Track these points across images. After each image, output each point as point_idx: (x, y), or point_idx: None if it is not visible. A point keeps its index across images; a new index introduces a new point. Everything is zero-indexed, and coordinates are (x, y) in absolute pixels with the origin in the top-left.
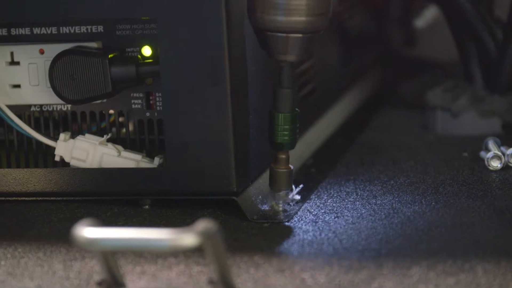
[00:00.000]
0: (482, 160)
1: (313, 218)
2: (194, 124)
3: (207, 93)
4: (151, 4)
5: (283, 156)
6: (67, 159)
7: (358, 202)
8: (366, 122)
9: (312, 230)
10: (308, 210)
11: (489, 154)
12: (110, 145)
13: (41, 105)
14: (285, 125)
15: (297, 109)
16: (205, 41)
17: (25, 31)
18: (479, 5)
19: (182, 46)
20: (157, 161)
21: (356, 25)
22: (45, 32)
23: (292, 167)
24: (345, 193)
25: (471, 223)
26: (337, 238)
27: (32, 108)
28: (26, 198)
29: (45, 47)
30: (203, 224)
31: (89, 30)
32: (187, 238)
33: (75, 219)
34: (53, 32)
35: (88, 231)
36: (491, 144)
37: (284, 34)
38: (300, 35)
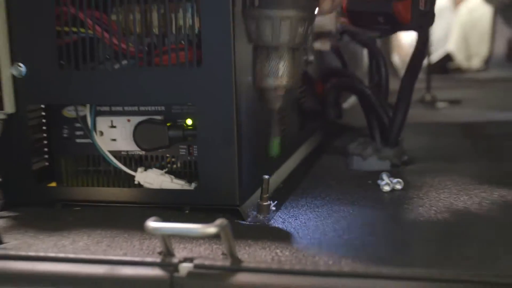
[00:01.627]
0: (379, 185)
1: (282, 220)
2: (216, 165)
3: (223, 149)
4: (193, 96)
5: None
6: (142, 183)
7: (308, 211)
8: (313, 163)
9: (282, 226)
10: (279, 216)
11: (383, 182)
12: (166, 175)
13: (127, 151)
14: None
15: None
16: (223, 119)
17: (120, 108)
18: (379, 96)
19: (210, 121)
20: (193, 185)
21: (308, 104)
22: (131, 109)
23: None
24: (300, 205)
25: (374, 223)
26: (295, 230)
27: (123, 152)
28: (117, 205)
29: (131, 118)
30: (220, 220)
31: (156, 109)
32: (211, 228)
33: (146, 216)
34: (135, 109)
35: (154, 223)
36: (384, 176)
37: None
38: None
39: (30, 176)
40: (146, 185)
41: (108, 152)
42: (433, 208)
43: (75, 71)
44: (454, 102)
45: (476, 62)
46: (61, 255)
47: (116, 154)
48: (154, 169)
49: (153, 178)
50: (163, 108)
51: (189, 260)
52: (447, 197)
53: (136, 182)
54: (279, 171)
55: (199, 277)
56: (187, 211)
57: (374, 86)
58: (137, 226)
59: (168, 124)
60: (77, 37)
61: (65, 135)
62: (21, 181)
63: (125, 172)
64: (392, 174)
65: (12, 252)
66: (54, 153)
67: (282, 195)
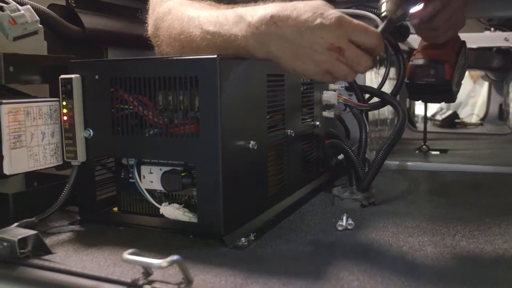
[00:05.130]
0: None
1: (257, 246)
2: (208, 205)
3: (213, 194)
4: (192, 157)
5: None
6: (164, 214)
7: (275, 240)
8: (307, 200)
9: (253, 251)
10: (257, 245)
11: (338, 223)
12: (182, 209)
13: (160, 190)
14: None
15: None
16: (213, 172)
17: (156, 160)
18: (360, 152)
19: (204, 175)
20: (197, 218)
21: (316, 154)
22: (163, 162)
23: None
24: (273, 236)
25: (312, 250)
26: (264, 255)
27: (157, 191)
28: (147, 227)
29: (162, 168)
30: (171, 257)
31: (179, 162)
32: (164, 263)
33: (161, 239)
34: (166, 162)
35: (128, 256)
36: (344, 217)
37: None
38: None
39: (95, 203)
40: (166, 215)
41: (145, 190)
42: (365, 247)
43: (125, 135)
44: (443, 151)
45: (475, 119)
46: (74, 269)
47: (153, 192)
48: (175, 204)
49: (171, 211)
50: (182, 162)
51: (151, 282)
52: (381, 238)
53: (160, 213)
54: (275, 207)
55: None
56: (191, 236)
57: (358, 146)
58: (149, 249)
59: (182, 174)
60: (126, 112)
61: (122, 176)
62: (89, 207)
63: (154, 206)
64: (355, 214)
65: (46, 264)
66: (117, 187)
67: (267, 227)
